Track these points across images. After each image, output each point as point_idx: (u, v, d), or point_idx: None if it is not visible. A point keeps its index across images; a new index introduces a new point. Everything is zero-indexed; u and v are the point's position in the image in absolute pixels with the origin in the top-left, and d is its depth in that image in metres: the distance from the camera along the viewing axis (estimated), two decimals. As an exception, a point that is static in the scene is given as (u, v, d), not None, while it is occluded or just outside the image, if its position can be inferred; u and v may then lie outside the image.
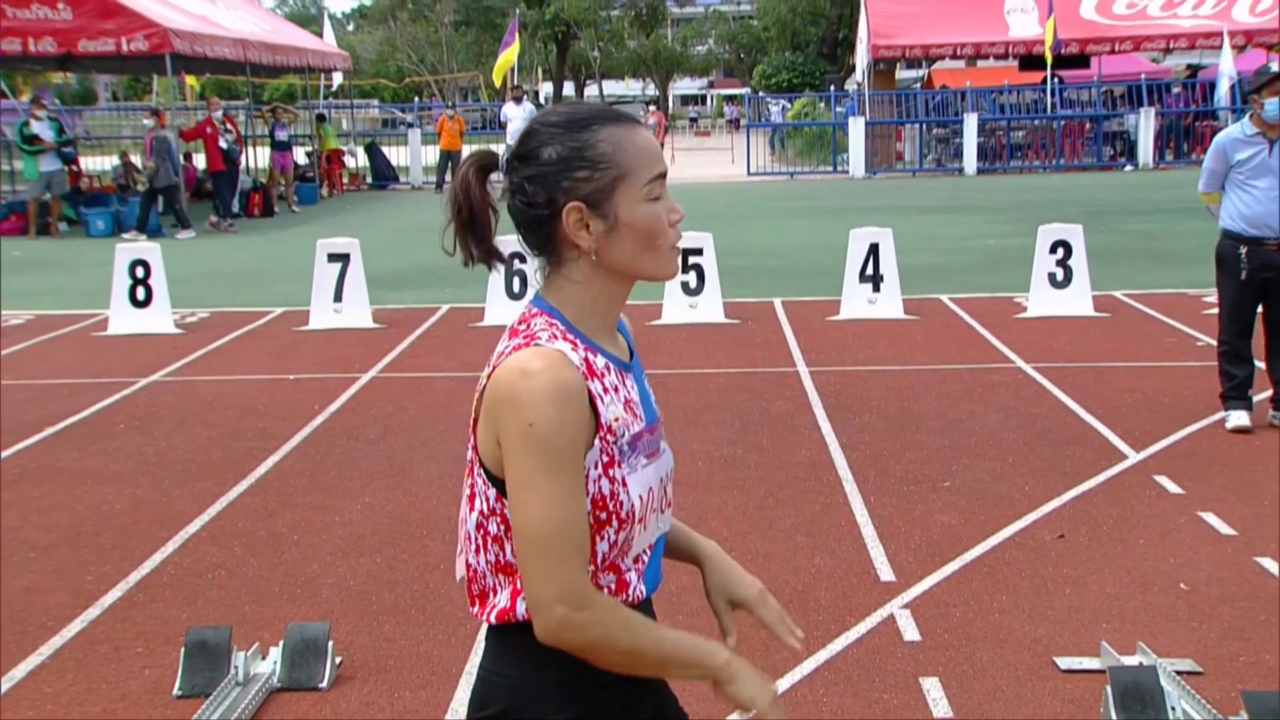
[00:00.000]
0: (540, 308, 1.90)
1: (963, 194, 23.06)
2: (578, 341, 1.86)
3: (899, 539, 5.52)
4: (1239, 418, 7.05)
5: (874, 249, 10.99)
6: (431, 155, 28.34)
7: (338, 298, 11.18)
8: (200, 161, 23.31)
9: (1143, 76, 29.82)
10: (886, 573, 5.14)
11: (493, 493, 1.87)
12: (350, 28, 73.07)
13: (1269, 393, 7.16)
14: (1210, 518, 5.69)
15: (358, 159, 29.36)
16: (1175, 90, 29.41)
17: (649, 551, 1.95)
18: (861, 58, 31.17)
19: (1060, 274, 10.83)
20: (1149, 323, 10.44)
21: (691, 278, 10.88)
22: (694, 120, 70.50)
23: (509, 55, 28.30)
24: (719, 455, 6.86)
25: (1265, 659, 4.30)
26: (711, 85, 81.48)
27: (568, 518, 1.77)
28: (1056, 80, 28.81)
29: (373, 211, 23.06)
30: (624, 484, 1.84)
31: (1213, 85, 27.41)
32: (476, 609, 1.93)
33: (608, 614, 1.80)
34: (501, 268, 1.98)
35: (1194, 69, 32.30)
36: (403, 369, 9.43)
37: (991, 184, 25.18)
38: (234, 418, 8.02)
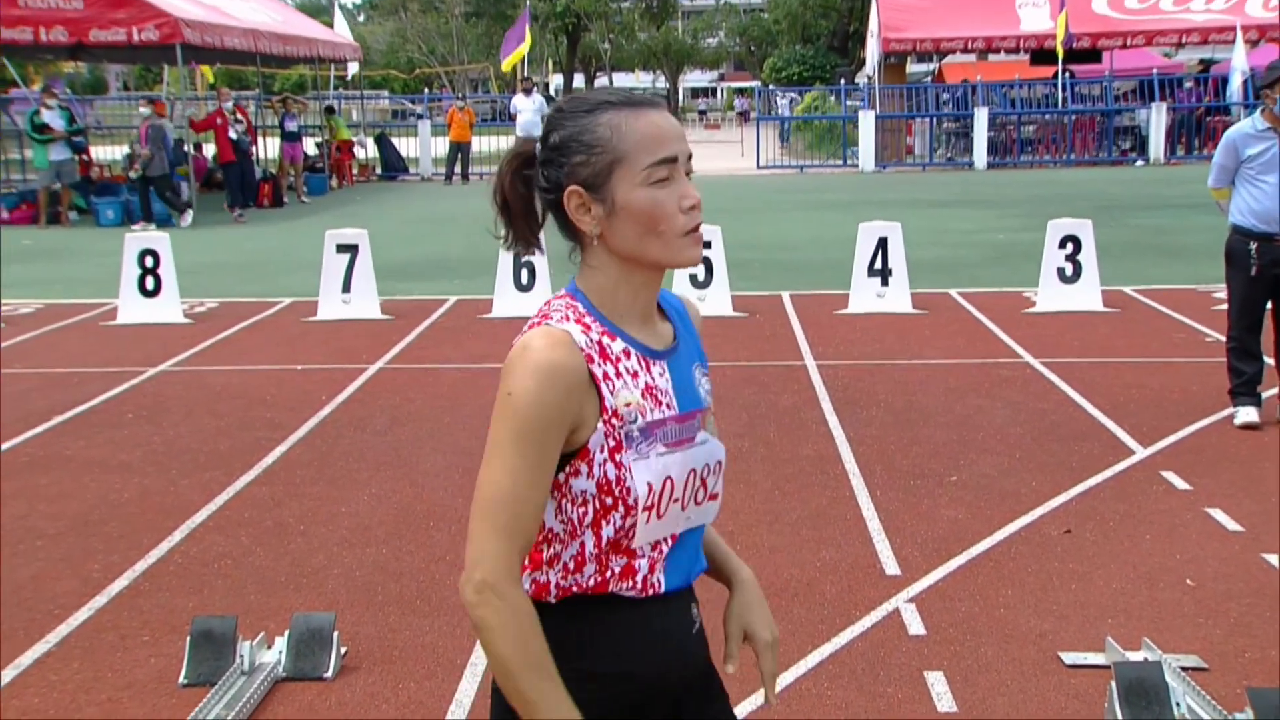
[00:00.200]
0: (569, 290, 1.93)
1: (972, 188, 23.01)
2: (593, 324, 1.86)
3: (905, 533, 5.52)
4: (1247, 414, 7.03)
5: (883, 243, 10.98)
6: (441, 147, 28.32)
7: (346, 288, 11.19)
8: (210, 152, 23.34)
9: (1155, 71, 29.71)
10: (892, 566, 5.14)
11: None
12: (361, 19, 73.03)
13: (1278, 389, 7.14)
14: (1217, 514, 5.68)
15: (367, 150, 29.37)
16: (1187, 85, 29.30)
17: (671, 541, 1.92)
18: (872, 51, 31.10)
19: (1069, 269, 10.80)
20: (1158, 318, 10.41)
21: (700, 270, 10.87)
22: (703, 113, 70.40)
23: (520, 51, 28.45)
24: (726, 448, 6.84)
25: (1271, 655, 4.29)
26: (722, 78, 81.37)
27: (515, 492, 1.79)
28: (1068, 75, 28.72)
29: (382, 203, 23.07)
30: (629, 470, 1.83)
31: (1225, 80, 27.31)
32: None
33: (508, 612, 1.78)
34: (542, 255, 2.01)
35: (1206, 64, 32.16)
36: (410, 360, 9.44)
37: (1001, 179, 25.12)
38: (242, 408, 8.04)
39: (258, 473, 6.63)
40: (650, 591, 1.90)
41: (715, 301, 10.88)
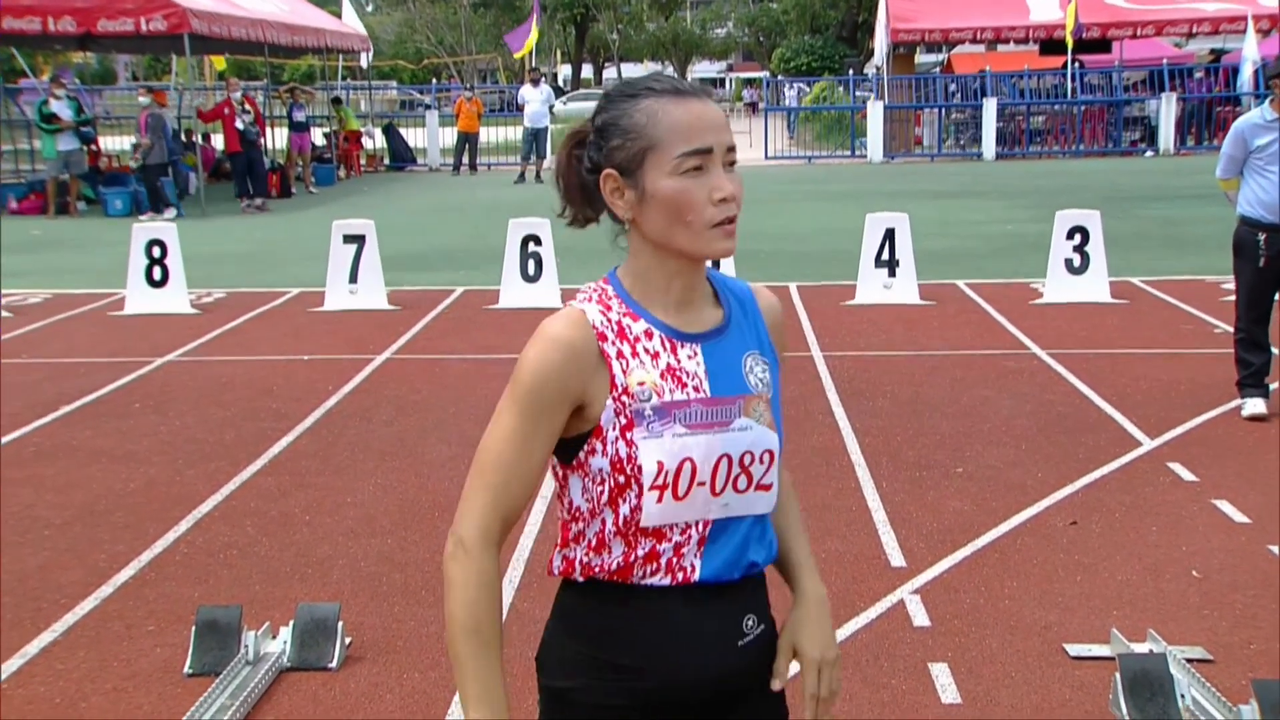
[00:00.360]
0: (609, 274, 1.96)
1: (981, 179, 22.95)
2: (615, 305, 1.89)
3: (910, 524, 5.51)
4: (1255, 405, 7.01)
5: (890, 234, 10.95)
6: (449, 137, 28.30)
7: (353, 279, 11.20)
8: (218, 142, 23.35)
9: (1165, 61, 29.59)
10: (897, 558, 5.13)
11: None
12: (369, 9, 72.98)
13: (1286, 381, 7.12)
14: (1224, 505, 5.67)
15: (375, 140, 29.37)
16: (1197, 75, 29.19)
17: (704, 527, 1.88)
18: (881, 42, 31.00)
19: (1077, 260, 10.77)
20: (1166, 309, 10.38)
21: (707, 261, 10.84)
22: (712, 103, 70.13)
23: (529, 42, 28.59)
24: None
25: (1276, 647, 4.28)
26: (730, 68, 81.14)
27: (505, 455, 1.85)
28: (1077, 65, 28.63)
29: (389, 193, 23.07)
30: (638, 448, 1.83)
31: (1236, 70, 27.19)
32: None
33: (471, 572, 1.84)
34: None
35: (1217, 54, 32.03)
36: (417, 351, 9.44)
37: (1010, 169, 25.06)
38: (248, 398, 8.05)
39: (264, 463, 6.64)
40: (679, 578, 1.88)
41: (722, 292, 10.85)
